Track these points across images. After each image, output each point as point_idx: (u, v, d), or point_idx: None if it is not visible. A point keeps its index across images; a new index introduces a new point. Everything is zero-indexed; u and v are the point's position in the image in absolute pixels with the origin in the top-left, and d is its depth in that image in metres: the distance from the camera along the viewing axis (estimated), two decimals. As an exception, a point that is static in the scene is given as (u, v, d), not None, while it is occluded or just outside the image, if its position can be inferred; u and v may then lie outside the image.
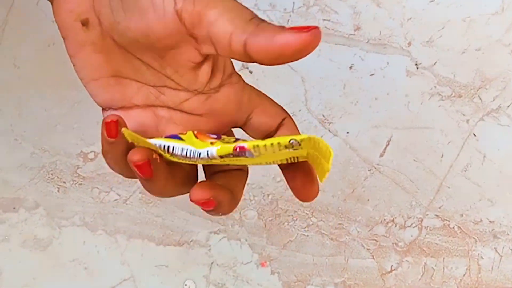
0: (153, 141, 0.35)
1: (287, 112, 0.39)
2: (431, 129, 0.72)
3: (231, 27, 0.32)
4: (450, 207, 0.70)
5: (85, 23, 0.37)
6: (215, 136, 0.36)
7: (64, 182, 0.70)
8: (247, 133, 0.39)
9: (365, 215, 0.70)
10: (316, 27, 0.31)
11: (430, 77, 0.72)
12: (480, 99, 0.72)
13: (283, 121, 0.39)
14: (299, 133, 0.39)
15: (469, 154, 0.71)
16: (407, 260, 0.69)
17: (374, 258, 0.69)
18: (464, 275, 0.69)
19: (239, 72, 0.39)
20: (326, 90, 0.72)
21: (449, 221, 0.70)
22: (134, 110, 0.38)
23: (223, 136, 0.37)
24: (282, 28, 0.31)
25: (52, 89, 0.72)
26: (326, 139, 0.71)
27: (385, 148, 0.71)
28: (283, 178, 0.38)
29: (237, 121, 0.39)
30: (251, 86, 0.39)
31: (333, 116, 0.72)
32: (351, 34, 0.73)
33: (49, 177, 0.70)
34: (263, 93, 0.39)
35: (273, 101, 0.39)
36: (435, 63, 0.72)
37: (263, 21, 0.33)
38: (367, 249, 0.69)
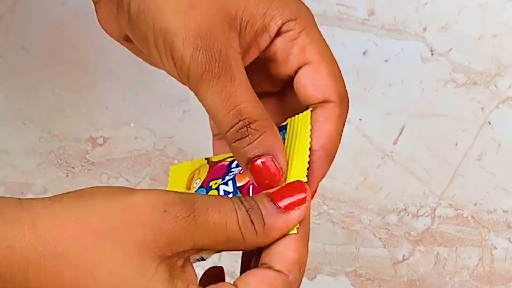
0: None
1: (341, 98, 0.34)
2: (445, 116, 0.71)
3: (216, 123, 0.32)
4: (463, 196, 0.69)
5: (128, 40, 0.36)
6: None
7: (73, 168, 0.70)
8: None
9: (377, 204, 0.69)
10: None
11: (445, 64, 0.71)
12: (495, 86, 0.71)
13: (326, 104, 0.34)
14: (334, 128, 0.34)
15: (484, 142, 0.70)
16: (419, 250, 0.68)
17: (386, 247, 0.68)
18: (477, 265, 0.68)
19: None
20: (339, 76, 0.71)
21: (462, 210, 0.69)
22: None
23: None
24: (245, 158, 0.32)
25: (61, 72, 0.71)
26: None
27: (398, 136, 0.70)
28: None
29: (284, 73, 0.35)
30: (312, 36, 0.34)
31: (346, 103, 0.71)
32: (365, 19, 0.72)
33: (57, 162, 0.70)
34: (328, 53, 0.35)
35: (335, 70, 0.34)
36: (450, 50, 0.71)
37: (243, 131, 0.32)
38: (379, 238, 0.69)
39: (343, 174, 0.70)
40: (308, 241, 0.32)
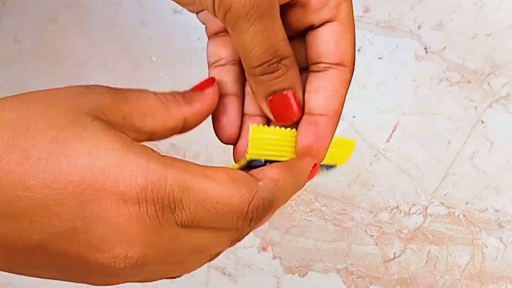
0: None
1: (353, 64, 0.34)
2: (438, 115, 0.70)
3: (248, 58, 0.34)
4: (455, 194, 0.69)
5: None
6: None
7: (64, 161, 0.69)
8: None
9: (369, 201, 0.69)
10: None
11: (439, 62, 0.71)
12: (489, 85, 0.71)
13: (342, 68, 0.34)
14: (345, 94, 0.35)
15: (477, 141, 0.70)
16: (410, 248, 0.68)
17: (377, 245, 0.68)
18: (468, 263, 0.68)
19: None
20: (333, 72, 0.71)
21: (454, 209, 0.69)
22: None
23: None
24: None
25: (53, 65, 0.70)
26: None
27: (391, 134, 0.70)
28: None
29: (309, 21, 0.35)
30: None
31: (339, 100, 0.70)
32: (360, 16, 0.71)
33: (48, 155, 0.69)
34: (353, 17, 0.35)
35: (354, 36, 0.35)
36: (444, 48, 0.71)
37: None
38: (371, 235, 0.68)
39: (336, 171, 0.69)
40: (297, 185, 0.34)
